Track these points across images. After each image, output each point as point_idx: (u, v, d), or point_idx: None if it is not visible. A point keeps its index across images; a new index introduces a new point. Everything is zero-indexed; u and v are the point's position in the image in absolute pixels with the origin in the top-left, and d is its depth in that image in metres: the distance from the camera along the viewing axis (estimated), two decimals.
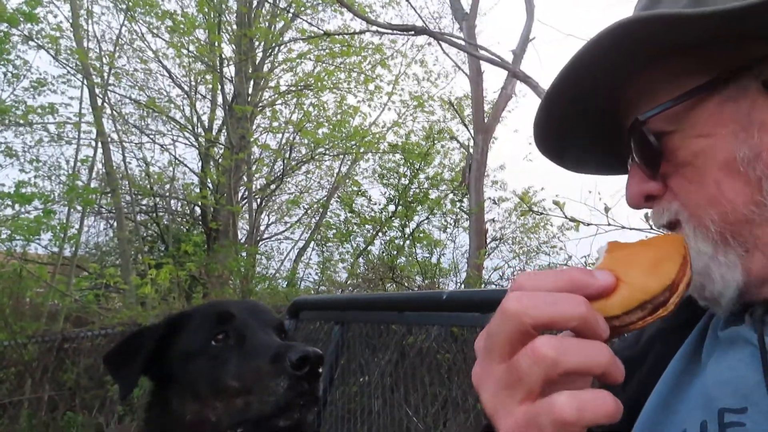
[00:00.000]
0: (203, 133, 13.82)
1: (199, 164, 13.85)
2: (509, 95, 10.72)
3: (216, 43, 11.72)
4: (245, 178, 12.54)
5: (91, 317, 8.28)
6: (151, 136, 13.92)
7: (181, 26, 11.78)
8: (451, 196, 13.14)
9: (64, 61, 11.78)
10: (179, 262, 9.77)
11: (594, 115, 0.80)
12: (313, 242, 14.45)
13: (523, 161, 14.08)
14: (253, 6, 12.69)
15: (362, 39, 12.87)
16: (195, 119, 14.12)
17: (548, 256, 12.54)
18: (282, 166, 13.85)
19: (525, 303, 0.52)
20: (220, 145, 13.35)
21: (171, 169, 14.70)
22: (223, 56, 12.43)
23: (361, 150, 13.65)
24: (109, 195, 12.04)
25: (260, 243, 14.72)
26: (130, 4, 11.83)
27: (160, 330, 1.41)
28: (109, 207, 13.45)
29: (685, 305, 0.71)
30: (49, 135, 12.63)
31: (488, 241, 11.65)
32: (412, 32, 7.19)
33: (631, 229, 3.72)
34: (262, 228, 15.19)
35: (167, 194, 14.74)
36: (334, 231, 14.38)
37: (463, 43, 8.10)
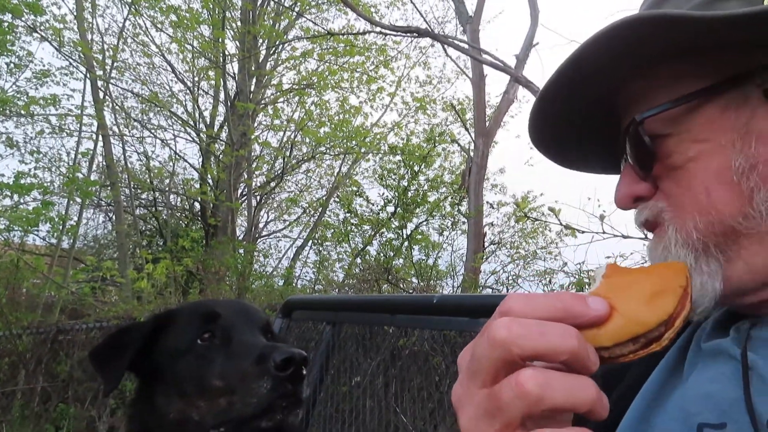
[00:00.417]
0: (204, 129, 13.83)
1: (200, 160, 13.86)
2: (511, 100, 10.73)
3: (220, 40, 11.72)
4: (245, 175, 12.56)
5: (86, 310, 8.29)
6: (153, 131, 13.94)
7: (185, 21, 11.79)
8: (450, 198, 13.15)
9: (67, 53, 11.79)
10: (177, 257, 9.78)
11: (590, 112, 0.79)
12: (311, 241, 14.46)
13: (524, 166, 14.10)
14: (258, 3, 12.70)
15: (366, 39, 12.87)
16: (197, 115, 14.14)
17: (544, 262, 12.53)
18: (282, 164, 13.85)
19: (515, 332, 0.49)
20: (221, 142, 13.36)
21: (171, 164, 14.72)
22: (227, 53, 12.43)
23: (362, 150, 13.65)
24: (109, 188, 12.05)
25: (258, 240, 14.72)
26: None
27: (147, 327, 1.41)
28: (108, 200, 13.45)
29: None
30: (51, 126, 12.65)
31: (486, 244, 11.65)
32: (416, 34, 7.19)
33: (626, 237, 3.72)
34: (260, 225, 15.21)
35: (167, 189, 14.75)
36: (333, 231, 14.38)
37: (466, 46, 8.09)
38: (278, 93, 14.31)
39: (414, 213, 12.93)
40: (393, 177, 13.60)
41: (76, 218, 11.81)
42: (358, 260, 12.51)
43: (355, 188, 14.12)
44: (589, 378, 0.51)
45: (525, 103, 12.33)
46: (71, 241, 10.83)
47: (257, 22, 12.26)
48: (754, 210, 0.64)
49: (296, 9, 12.74)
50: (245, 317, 1.39)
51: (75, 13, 11.43)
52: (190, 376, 1.29)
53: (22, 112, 11.74)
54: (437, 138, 13.73)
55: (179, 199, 15.54)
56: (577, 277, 4.54)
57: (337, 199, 14.49)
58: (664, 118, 0.69)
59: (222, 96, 13.49)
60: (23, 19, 10.33)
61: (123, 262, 10.70)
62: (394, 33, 7.74)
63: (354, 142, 13.54)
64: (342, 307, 2.87)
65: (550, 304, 0.52)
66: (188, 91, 14.07)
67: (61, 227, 10.07)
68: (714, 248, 0.66)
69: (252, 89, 13.08)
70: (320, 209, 14.50)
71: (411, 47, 14.49)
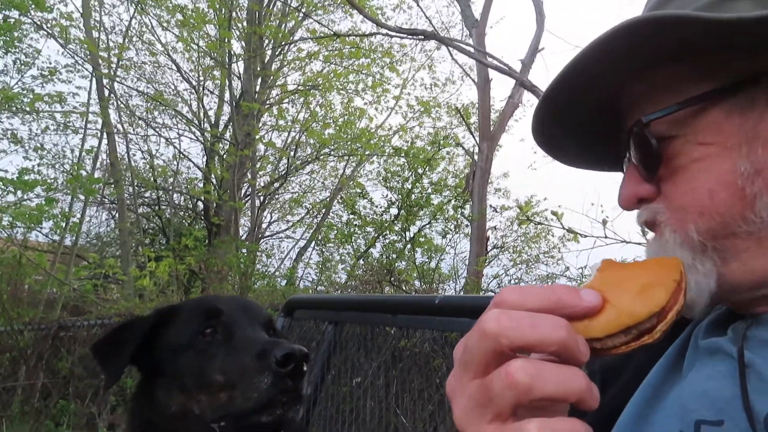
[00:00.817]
0: (209, 129, 13.87)
1: (204, 159, 13.90)
2: (516, 104, 10.73)
3: (226, 40, 11.76)
4: (249, 175, 12.58)
5: (88, 307, 8.30)
6: (157, 129, 13.98)
7: (192, 21, 11.83)
8: (453, 202, 13.15)
9: (73, 51, 11.83)
10: (179, 255, 9.79)
11: (593, 111, 0.78)
12: (314, 242, 14.47)
13: (528, 170, 14.09)
14: (264, 4, 12.74)
15: (372, 42, 12.90)
16: (201, 114, 14.19)
17: (547, 266, 12.53)
18: (286, 165, 13.88)
19: (504, 323, 0.50)
20: (226, 141, 13.39)
21: (175, 162, 14.77)
22: (233, 53, 12.48)
23: (366, 152, 13.67)
24: (113, 186, 12.08)
25: (261, 240, 14.75)
26: None
27: (149, 322, 1.42)
28: (111, 198, 13.49)
29: None
30: (56, 123, 12.70)
31: (489, 248, 11.65)
32: (422, 37, 7.20)
33: (628, 243, 3.72)
34: (263, 225, 15.24)
35: (170, 187, 14.78)
36: (336, 232, 14.40)
37: (472, 50, 8.10)
38: (283, 93, 14.35)
39: (417, 216, 12.94)
40: (397, 179, 13.62)
41: (79, 215, 11.84)
42: (361, 262, 12.52)
43: (358, 190, 14.14)
44: (579, 369, 0.51)
45: (530, 107, 12.34)
46: (74, 238, 10.85)
47: (263, 23, 12.30)
48: (755, 215, 0.64)
49: (303, 10, 12.78)
50: (247, 313, 1.39)
51: (81, 11, 11.48)
52: (192, 371, 1.30)
53: (28, 109, 11.78)
54: (442, 141, 13.75)
55: (183, 198, 15.60)
56: (579, 281, 4.54)
57: (340, 201, 14.51)
58: (670, 120, 0.68)
59: (227, 96, 13.53)
60: (29, 15, 10.37)
61: (125, 260, 10.72)
62: (400, 35, 7.75)
63: (358, 144, 13.56)
64: (344, 306, 2.87)
65: (543, 296, 0.53)
66: (193, 91, 14.13)
67: (64, 224, 10.10)
68: (711, 249, 0.67)
69: (257, 89, 13.11)
70: (324, 210, 14.52)
71: (416, 50, 14.53)
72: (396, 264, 11.38)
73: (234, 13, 12.12)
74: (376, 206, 13.60)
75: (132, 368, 1.47)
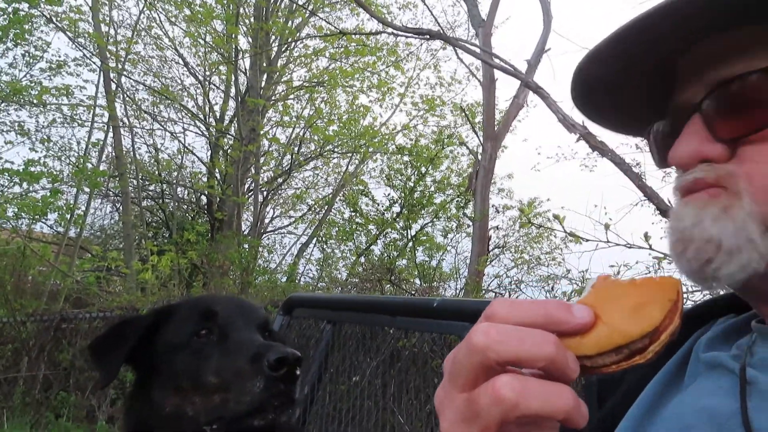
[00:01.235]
0: (214, 123, 13.89)
1: (208, 154, 13.93)
2: (521, 105, 10.71)
3: (232, 35, 11.77)
4: (253, 170, 12.60)
5: (90, 299, 8.33)
6: (163, 123, 14.01)
7: (199, 16, 11.85)
8: (456, 201, 13.15)
9: (82, 44, 11.87)
10: (182, 249, 9.82)
11: (646, 74, 0.74)
12: (315, 239, 14.49)
13: (531, 171, 14.07)
14: (272, 0, 12.74)
15: (377, 40, 12.89)
16: (207, 109, 14.20)
17: (548, 268, 12.52)
18: (290, 161, 13.89)
19: (492, 337, 0.49)
20: (230, 136, 13.41)
21: (180, 156, 14.81)
22: (239, 48, 12.48)
23: (370, 150, 13.67)
24: (117, 179, 12.12)
25: (263, 236, 14.77)
26: None
27: (146, 321, 1.42)
28: (116, 190, 13.53)
29: None
30: (63, 116, 12.74)
31: (490, 248, 11.64)
32: (428, 36, 7.18)
33: (630, 246, 3.71)
34: (266, 221, 15.26)
35: (174, 181, 14.82)
36: (337, 229, 14.41)
37: (478, 50, 8.08)
38: (288, 89, 14.35)
39: (419, 214, 12.94)
40: (400, 177, 13.63)
41: (83, 208, 11.90)
42: (362, 259, 12.54)
43: (361, 187, 14.14)
44: (568, 386, 0.50)
45: (534, 108, 12.31)
46: (78, 230, 10.90)
47: (270, 19, 12.30)
48: None
49: (309, 7, 12.78)
50: (243, 315, 1.40)
51: (91, 5, 11.51)
52: (186, 372, 1.30)
53: (35, 101, 11.83)
54: (445, 140, 13.74)
55: (186, 192, 15.63)
56: (579, 284, 4.53)
57: (342, 198, 14.52)
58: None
59: (233, 91, 13.55)
60: (39, 9, 10.41)
61: (128, 253, 10.76)
62: (406, 34, 7.74)
63: (362, 142, 13.56)
64: (343, 306, 2.88)
65: (533, 311, 0.52)
66: (199, 85, 14.15)
67: (68, 216, 10.14)
68: None
69: (263, 85, 13.12)
70: (326, 207, 14.53)
71: (422, 49, 14.51)
72: (397, 262, 11.39)
73: (241, 9, 12.13)
74: (378, 204, 13.62)
75: (128, 367, 1.48)
